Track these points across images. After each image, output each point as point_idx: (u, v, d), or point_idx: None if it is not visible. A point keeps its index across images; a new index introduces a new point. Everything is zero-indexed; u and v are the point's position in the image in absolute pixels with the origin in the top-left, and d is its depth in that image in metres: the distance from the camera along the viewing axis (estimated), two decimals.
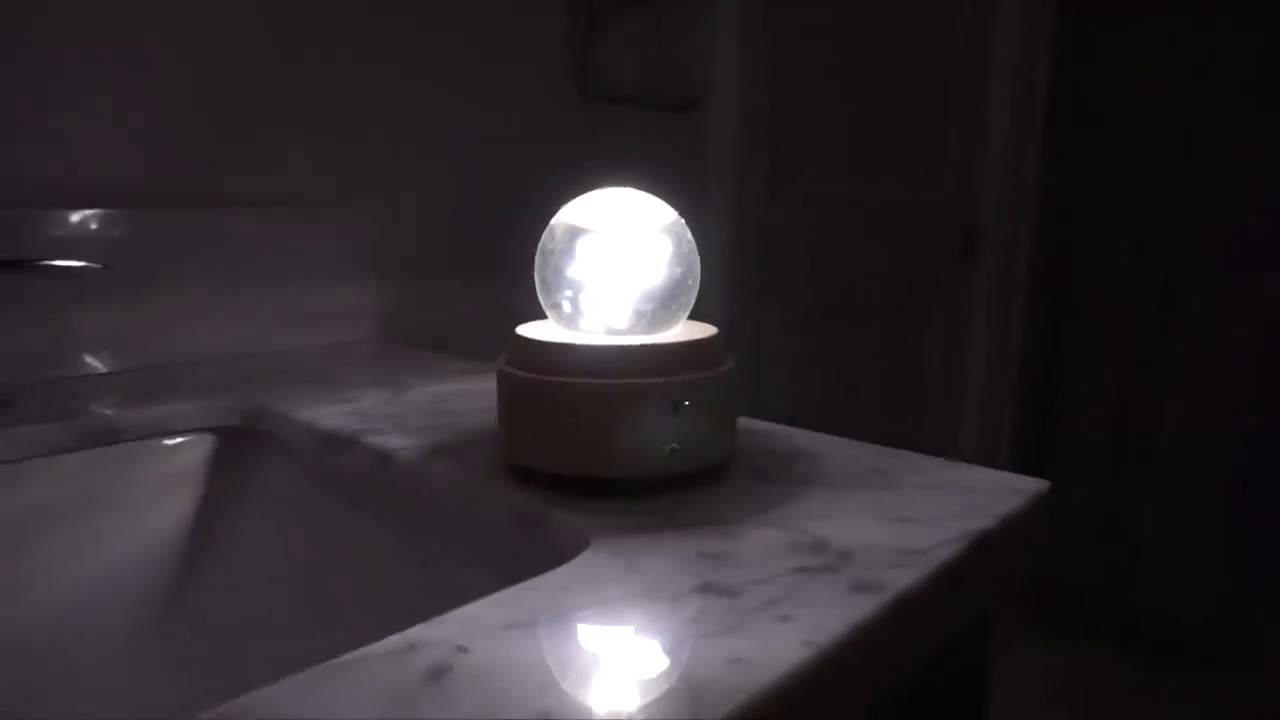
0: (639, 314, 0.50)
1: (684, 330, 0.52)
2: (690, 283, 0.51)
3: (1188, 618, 2.10)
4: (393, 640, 0.32)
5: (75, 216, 0.75)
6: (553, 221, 0.51)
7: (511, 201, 1.08)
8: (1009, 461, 2.18)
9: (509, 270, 0.93)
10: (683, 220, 0.52)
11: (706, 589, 0.36)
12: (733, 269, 1.36)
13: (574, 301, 0.50)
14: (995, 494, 0.48)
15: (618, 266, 0.49)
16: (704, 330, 0.52)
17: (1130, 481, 2.20)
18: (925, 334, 1.97)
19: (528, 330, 0.51)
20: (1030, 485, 0.49)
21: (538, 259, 0.51)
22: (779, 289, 1.50)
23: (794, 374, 1.51)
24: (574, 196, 0.53)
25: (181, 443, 0.67)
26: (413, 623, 0.34)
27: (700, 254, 0.52)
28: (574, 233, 0.50)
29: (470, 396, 0.69)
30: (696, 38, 1.29)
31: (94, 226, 0.75)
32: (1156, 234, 2.10)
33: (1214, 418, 2.06)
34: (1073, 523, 2.22)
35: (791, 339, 1.52)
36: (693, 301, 0.52)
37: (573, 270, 0.50)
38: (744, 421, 0.59)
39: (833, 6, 1.56)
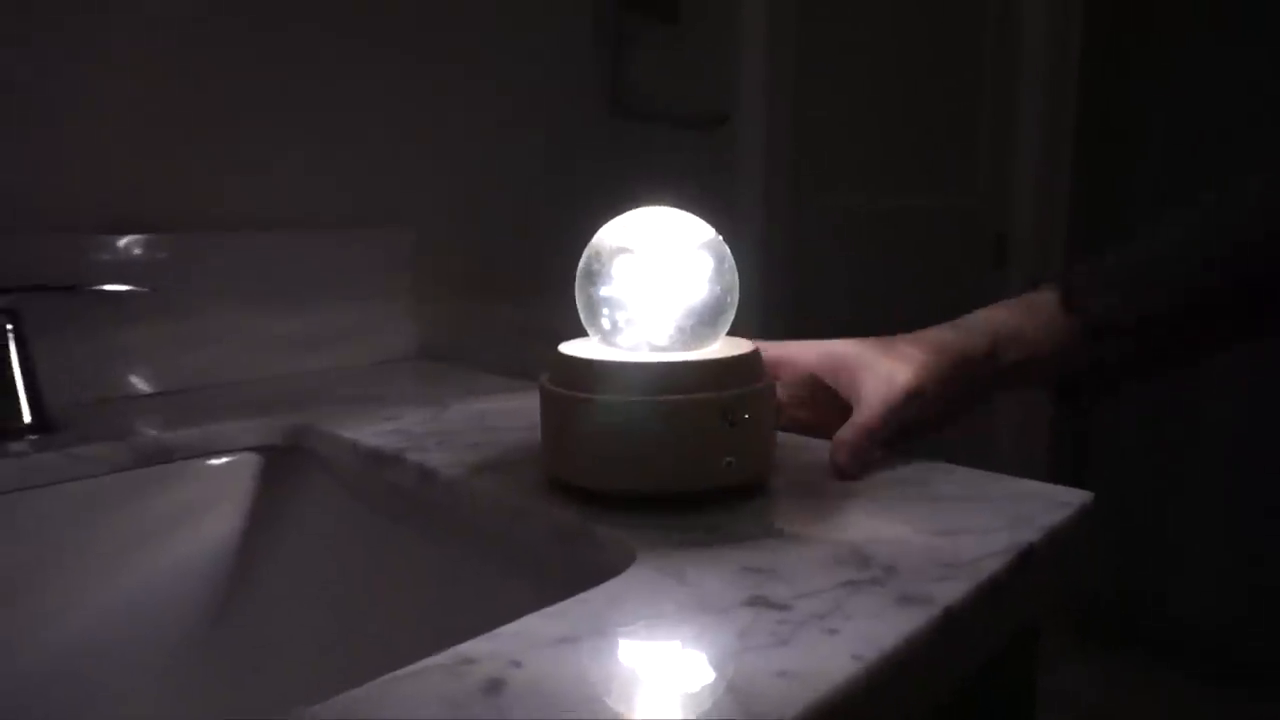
0: (681, 331, 0.50)
1: (723, 345, 0.52)
2: (730, 300, 0.51)
3: (1220, 631, 2.07)
4: (448, 654, 0.33)
5: (121, 241, 0.76)
6: (593, 241, 0.52)
7: (544, 219, 1.09)
8: (1045, 473, 2.16)
9: (544, 286, 0.94)
10: (721, 238, 0.53)
11: (755, 602, 0.36)
12: (764, 285, 1.37)
13: (616, 320, 0.51)
14: (1039, 505, 0.48)
15: (661, 284, 0.50)
16: (743, 345, 0.52)
17: (1167, 493, 2.17)
18: None
19: (572, 349, 0.51)
20: (1075, 497, 0.49)
21: (579, 278, 0.52)
22: (811, 304, 1.50)
23: None
24: (606, 213, 0.53)
25: (227, 463, 0.68)
26: (458, 640, 0.34)
27: (734, 259, 0.53)
28: (615, 252, 0.51)
29: (512, 413, 0.70)
30: (724, 54, 1.29)
31: (138, 251, 0.77)
32: None
33: (1252, 426, 2.03)
34: (1110, 535, 2.19)
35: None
36: (732, 318, 0.52)
37: (616, 289, 0.50)
38: (781, 435, 0.59)
39: (861, 20, 1.57)
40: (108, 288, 0.72)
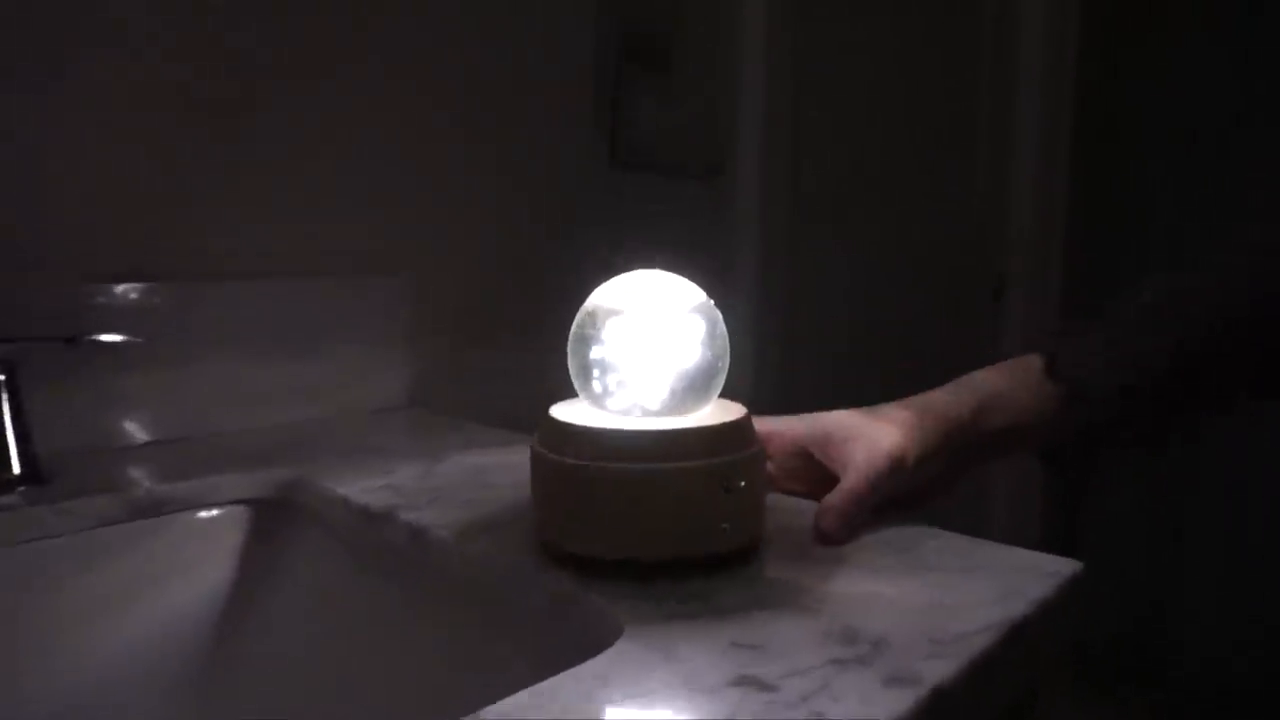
0: (674, 395, 0.50)
1: (715, 410, 0.52)
2: (721, 365, 0.52)
3: (1220, 678, 2.05)
4: None
5: (117, 289, 0.76)
6: (585, 305, 0.52)
7: (543, 268, 1.10)
8: (1039, 523, 2.15)
9: (543, 335, 0.94)
10: (712, 301, 0.53)
11: (743, 682, 0.36)
12: (758, 334, 1.37)
13: (607, 383, 0.51)
14: (1028, 576, 0.48)
15: (653, 348, 0.50)
16: (735, 410, 0.52)
17: (1165, 541, 2.16)
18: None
19: (563, 412, 0.51)
20: (1063, 567, 0.49)
21: (571, 342, 0.52)
22: (809, 342, 1.50)
23: None
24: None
25: (219, 516, 0.68)
26: (446, 704, 0.34)
27: (727, 318, 0.53)
28: (607, 315, 0.51)
29: (508, 469, 0.69)
30: (722, 104, 1.31)
31: (134, 299, 0.77)
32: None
33: (1251, 476, 2.03)
34: (1106, 587, 2.18)
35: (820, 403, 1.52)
36: (723, 382, 0.52)
37: (607, 352, 0.51)
38: (772, 496, 0.59)
39: (856, 61, 1.58)
40: (104, 338, 0.72)
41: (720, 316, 0.52)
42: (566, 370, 0.53)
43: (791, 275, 1.46)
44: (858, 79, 1.60)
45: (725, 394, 0.54)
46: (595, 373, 0.51)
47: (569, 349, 0.52)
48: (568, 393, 0.54)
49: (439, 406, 0.97)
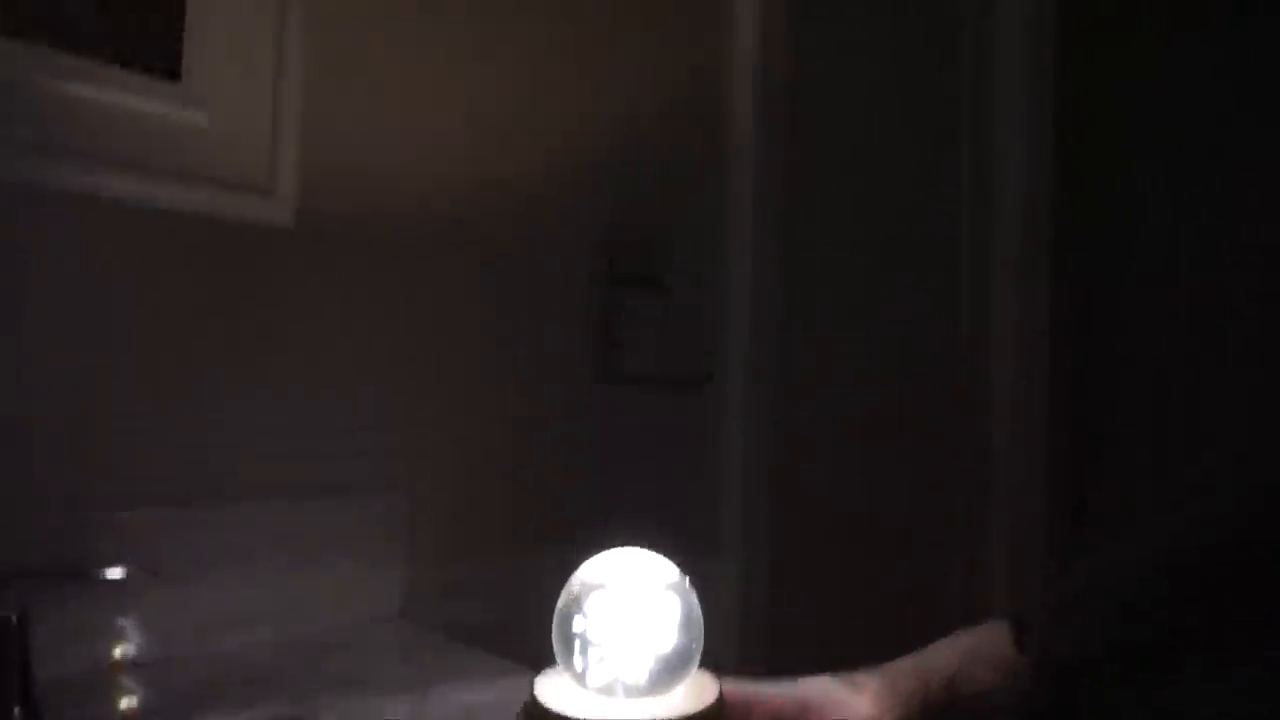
0: (651, 676, 0.53)
1: (691, 684, 0.55)
2: (695, 646, 0.54)
3: None
4: None
5: (118, 516, 0.80)
6: (569, 583, 0.55)
7: (533, 484, 1.11)
8: None
9: (531, 548, 0.96)
10: (688, 580, 0.56)
11: None
12: (748, 546, 1.35)
13: (589, 659, 0.54)
14: None
15: (629, 630, 0.53)
16: (709, 688, 0.55)
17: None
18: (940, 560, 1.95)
19: (547, 692, 0.54)
20: None
21: (555, 619, 0.55)
22: (796, 564, 1.48)
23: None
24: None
25: None
26: None
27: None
28: (588, 592, 0.54)
29: (497, 710, 0.71)
30: (709, 318, 1.35)
31: (135, 525, 0.80)
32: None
33: None
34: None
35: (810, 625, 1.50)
36: (699, 659, 0.55)
37: (588, 631, 0.54)
38: None
39: (845, 273, 1.63)
40: (110, 575, 0.74)
41: (695, 598, 0.55)
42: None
43: (780, 474, 1.48)
44: (845, 291, 1.65)
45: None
46: (577, 648, 0.54)
47: (553, 623, 0.55)
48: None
49: (431, 618, 0.99)
